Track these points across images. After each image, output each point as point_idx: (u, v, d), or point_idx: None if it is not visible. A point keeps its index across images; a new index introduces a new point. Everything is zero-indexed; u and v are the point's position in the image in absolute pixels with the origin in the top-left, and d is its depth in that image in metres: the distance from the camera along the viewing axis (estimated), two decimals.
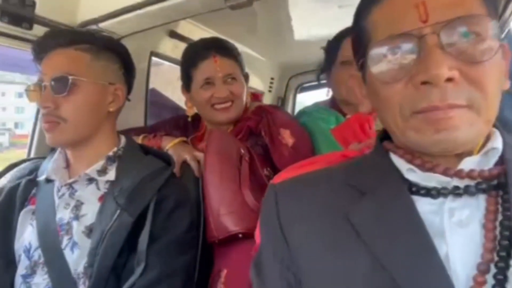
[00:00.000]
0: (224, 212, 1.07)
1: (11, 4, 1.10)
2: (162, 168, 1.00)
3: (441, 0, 0.50)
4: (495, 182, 0.52)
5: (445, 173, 0.52)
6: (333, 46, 1.44)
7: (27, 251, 0.94)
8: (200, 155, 1.19)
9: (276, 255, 0.60)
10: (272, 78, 2.70)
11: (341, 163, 0.67)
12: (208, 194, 1.09)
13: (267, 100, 2.69)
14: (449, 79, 0.48)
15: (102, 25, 1.30)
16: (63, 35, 0.98)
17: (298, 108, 2.96)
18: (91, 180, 0.98)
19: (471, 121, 0.49)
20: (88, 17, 1.29)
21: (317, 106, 1.57)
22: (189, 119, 1.42)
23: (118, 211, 0.89)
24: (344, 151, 0.86)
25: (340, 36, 1.42)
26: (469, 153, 0.53)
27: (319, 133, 1.32)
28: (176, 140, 1.26)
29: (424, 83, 0.49)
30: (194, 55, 1.33)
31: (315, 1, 1.65)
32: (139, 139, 1.29)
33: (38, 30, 1.22)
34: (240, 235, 1.06)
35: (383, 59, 0.52)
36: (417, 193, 0.55)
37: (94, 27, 1.31)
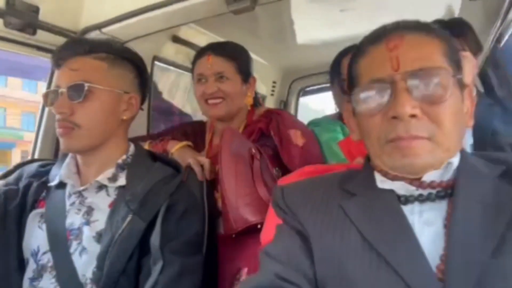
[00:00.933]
0: (241, 205, 1.10)
1: (15, 10, 1.11)
2: (172, 175, 1.02)
3: (410, 55, 0.64)
4: (450, 190, 0.65)
5: (410, 183, 0.66)
6: (335, 62, 1.57)
7: (35, 254, 0.95)
8: (203, 159, 1.20)
9: (288, 224, 0.74)
10: (274, 82, 2.70)
11: (337, 173, 0.80)
12: (225, 191, 1.12)
13: (269, 104, 2.69)
14: (412, 115, 0.61)
15: (105, 30, 1.30)
16: (82, 44, 1.01)
17: (300, 111, 2.97)
18: (101, 187, 0.99)
19: (431, 150, 0.62)
20: (91, 22, 1.30)
21: (324, 117, 1.72)
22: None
23: (130, 216, 0.90)
24: (350, 165, 0.92)
25: (340, 55, 1.54)
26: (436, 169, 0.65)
27: (323, 142, 1.41)
28: (181, 144, 1.28)
29: (394, 117, 0.63)
30: (196, 54, 1.41)
31: (317, 5, 1.65)
32: (145, 145, 1.30)
33: (42, 36, 1.23)
34: (259, 226, 1.06)
35: (365, 99, 0.67)
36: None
37: (97, 32, 1.31)
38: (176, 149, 1.25)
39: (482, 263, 0.55)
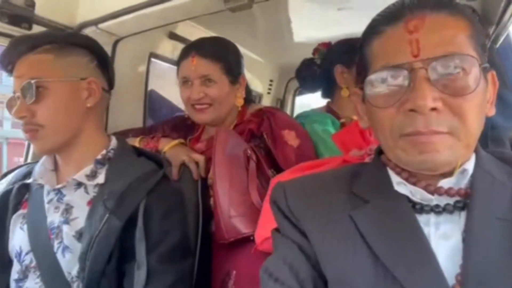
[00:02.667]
0: (234, 214, 1.06)
1: (10, 5, 1.10)
2: (153, 170, 0.98)
3: (432, 39, 0.56)
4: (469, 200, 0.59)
5: (426, 188, 0.60)
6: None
7: (18, 255, 0.94)
8: (198, 157, 1.18)
9: (287, 234, 0.68)
10: (271, 80, 2.70)
11: (344, 168, 0.74)
12: (217, 197, 1.08)
13: (266, 102, 2.69)
14: (433, 109, 0.55)
15: (102, 26, 1.30)
16: (22, 42, 0.94)
17: (301, 111, 2.96)
18: (79, 184, 0.96)
19: (452, 145, 0.56)
20: (88, 18, 1.29)
21: (312, 111, 1.65)
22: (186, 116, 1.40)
23: (107, 215, 0.87)
24: (345, 157, 0.88)
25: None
26: (450, 173, 0.60)
27: (314, 134, 1.37)
28: (174, 142, 1.25)
29: (411, 110, 0.56)
30: (181, 53, 1.33)
31: (314, 4, 1.65)
32: (136, 141, 1.28)
33: (38, 31, 1.22)
34: (252, 238, 1.05)
35: (378, 87, 0.60)
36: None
37: (93, 28, 1.31)
38: (168, 148, 1.22)
39: None
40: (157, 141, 1.25)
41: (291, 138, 1.26)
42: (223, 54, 1.29)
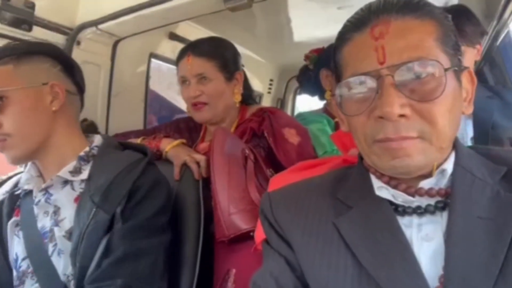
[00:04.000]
0: (234, 211, 1.06)
1: (10, 6, 1.10)
2: (138, 160, 0.98)
3: (397, 44, 0.56)
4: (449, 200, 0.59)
5: (407, 191, 0.61)
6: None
7: (15, 262, 0.95)
8: (199, 157, 1.18)
9: (273, 244, 0.70)
10: (271, 80, 2.70)
11: (330, 173, 0.76)
12: (216, 195, 1.09)
13: (266, 101, 2.70)
14: (401, 115, 0.55)
15: (101, 26, 1.30)
16: None
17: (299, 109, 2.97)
18: (66, 182, 0.97)
19: (424, 150, 0.56)
20: (87, 18, 1.29)
21: (309, 112, 1.76)
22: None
23: (94, 209, 0.88)
24: (345, 157, 0.88)
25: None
26: (430, 174, 0.60)
27: (310, 133, 1.40)
28: (175, 142, 1.24)
29: (380, 117, 0.56)
30: (178, 54, 1.36)
31: (314, 3, 1.65)
32: (138, 141, 1.28)
33: (38, 32, 1.22)
34: (252, 233, 1.04)
35: (348, 94, 0.61)
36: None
37: (93, 28, 1.31)
38: (170, 148, 1.22)
39: None
40: (159, 141, 1.26)
41: (291, 135, 1.27)
42: (217, 52, 1.32)
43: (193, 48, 1.31)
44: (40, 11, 1.18)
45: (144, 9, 1.16)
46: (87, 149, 1.00)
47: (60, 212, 0.94)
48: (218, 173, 1.10)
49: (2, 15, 1.11)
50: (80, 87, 1.06)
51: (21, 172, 1.14)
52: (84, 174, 0.96)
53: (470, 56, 1.24)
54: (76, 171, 0.97)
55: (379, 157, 0.59)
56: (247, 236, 1.06)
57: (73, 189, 0.96)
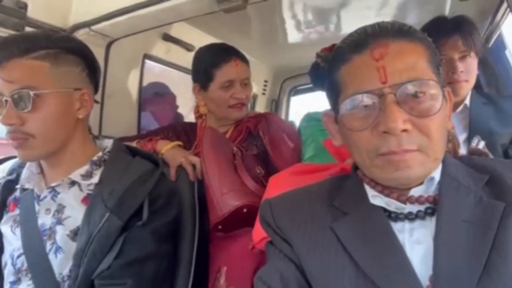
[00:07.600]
0: (225, 191, 1.11)
1: (2, 6, 1.09)
2: (151, 171, 0.99)
3: (396, 65, 0.62)
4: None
5: (399, 199, 0.66)
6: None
7: (11, 258, 0.94)
8: (195, 159, 1.19)
9: (277, 246, 0.73)
10: (265, 81, 2.70)
11: (327, 181, 0.80)
12: (208, 179, 1.14)
13: (261, 103, 2.70)
14: (404, 130, 0.60)
15: (95, 27, 1.29)
16: (16, 43, 0.89)
17: (291, 111, 2.97)
18: (73, 182, 0.96)
19: (422, 162, 0.62)
20: (81, 19, 1.28)
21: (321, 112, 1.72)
22: (203, 116, 1.48)
23: (107, 215, 0.88)
24: (342, 165, 0.91)
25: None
26: (419, 183, 0.66)
27: (308, 138, 1.42)
28: (172, 144, 1.25)
29: (385, 132, 0.61)
30: (217, 57, 1.40)
31: (308, 4, 1.65)
32: (133, 144, 1.28)
33: None
34: (245, 210, 1.08)
35: (352, 111, 0.65)
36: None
37: (86, 29, 1.30)
38: (166, 150, 1.23)
39: None
40: (155, 142, 1.27)
41: (288, 139, 1.36)
42: (248, 60, 1.46)
43: (236, 53, 1.41)
44: (33, 12, 1.17)
45: (138, 10, 1.16)
46: (100, 154, 1.00)
47: (64, 211, 0.93)
48: (209, 163, 1.16)
49: None
50: (97, 89, 1.06)
51: (12, 157, 1.12)
52: (95, 179, 0.96)
53: (476, 65, 1.28)
54: (88, 175, 0.97)
55: (382, 169, 0.63)
56: (237, 236, 1.11)
57: (80, 190, 0.96)
